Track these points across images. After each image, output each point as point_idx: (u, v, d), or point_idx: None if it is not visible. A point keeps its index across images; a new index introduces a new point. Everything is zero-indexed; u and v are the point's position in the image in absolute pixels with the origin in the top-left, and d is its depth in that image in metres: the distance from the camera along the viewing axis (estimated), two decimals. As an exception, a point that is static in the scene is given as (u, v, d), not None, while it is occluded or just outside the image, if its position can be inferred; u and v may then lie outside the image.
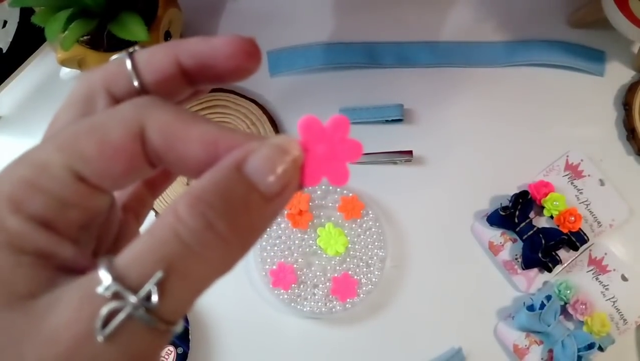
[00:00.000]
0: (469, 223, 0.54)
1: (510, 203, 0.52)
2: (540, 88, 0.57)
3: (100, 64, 0.48)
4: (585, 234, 0.51)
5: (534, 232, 0.51)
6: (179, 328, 0.16)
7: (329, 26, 0.59)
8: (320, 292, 0.51)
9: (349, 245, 0.51)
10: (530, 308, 0.49)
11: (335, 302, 0.50)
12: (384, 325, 0.52)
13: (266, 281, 0.51)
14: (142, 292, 0.15)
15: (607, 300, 0.51)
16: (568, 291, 0.50)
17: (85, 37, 0.46)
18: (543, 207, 0.52)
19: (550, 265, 0.51)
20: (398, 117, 0.55)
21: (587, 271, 0.52)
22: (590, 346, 0.48)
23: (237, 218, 0.16)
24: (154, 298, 0.15)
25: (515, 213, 0.51)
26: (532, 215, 0.52)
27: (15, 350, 0.14)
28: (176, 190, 0.53)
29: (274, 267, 0.51)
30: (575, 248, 0.52)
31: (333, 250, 0.50)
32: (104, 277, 0.15)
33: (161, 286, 0.15)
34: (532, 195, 0.52)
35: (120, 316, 0.14)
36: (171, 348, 0.49)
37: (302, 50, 0.57)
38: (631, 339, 0.51)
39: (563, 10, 0.59)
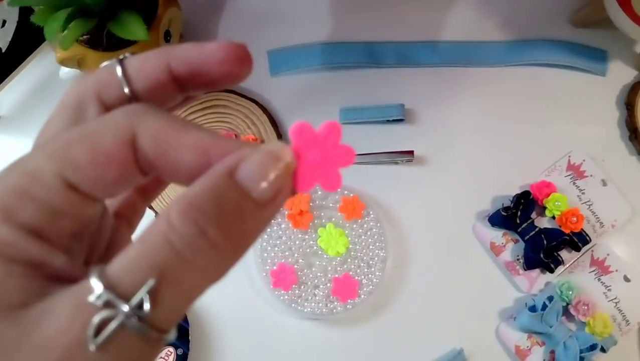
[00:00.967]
0: (470, 223, 0.54)
1: (512, 204, 0.52)
2: (542, 88, 0.57)
3: (100, 63, 0.47)
4: (587, 235, 0.51)
5: (536, 233, 0.51)
6: (171, 336, 0.16)
7: (330, 26, 0.58)
8: (321, 293, 0.51)
9: (350, 246, 0.51)
10: (532, 309, 0.49)
11: (336, 303, 0.50)
12: (385, 326, 0.51)
13: (267, 282, 0.51)
14: (134, 300, 0.14)
15: (609, 301, 0.51)
16: (570, 292, 0.50)
17: (84, 37, 0.46)
18: (545, 208, 0.52)
19: (552, 265, 0.50)
20: (399, 116, 0.54)
21: (590, 272, 0.52)
22: (593, 348, 0.47)
23: (230, 225, 0.16)
24: (146, 306, 0.15)
25: (517, 214, 0.51)
26: (534, 215, 0.52)
27: (7, 360, 0.14)
28: (176, 190, 0.53)
29: (275, 268, 0.51)
30: (578, 249, 0.51)
31: (334, 250, 0.50)
32: (96, 286, 0.15)
33: (153, 294, 0.15)
34: (534, 196, 0.52)
35: (113, 325, 0.14)
36: (171, 349, 0.49)
37: (302, 50, 0.57)
38: (634, 340, 0.51)
39: (565, 10, 0.59)
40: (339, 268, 0.51)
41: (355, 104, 0.55)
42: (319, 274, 0.51)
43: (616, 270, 0.51)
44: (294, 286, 0.50)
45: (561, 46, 0.57)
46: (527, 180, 0.54)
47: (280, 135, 0.54)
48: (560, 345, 0.48)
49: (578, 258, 0.52)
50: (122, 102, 0.18)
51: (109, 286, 0.15)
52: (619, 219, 0.53)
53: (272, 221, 0.52)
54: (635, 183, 0.54)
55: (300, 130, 0.18)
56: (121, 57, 0.19)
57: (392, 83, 0.57)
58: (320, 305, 0.50)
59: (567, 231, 0.51)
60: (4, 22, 0.51)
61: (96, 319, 0.14)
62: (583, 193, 0.53)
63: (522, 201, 0.51)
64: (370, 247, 0.52)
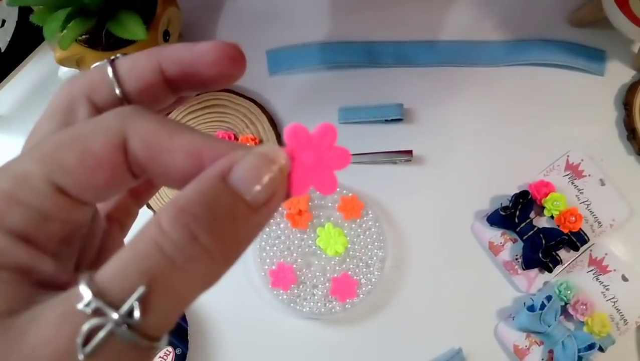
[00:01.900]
0: (469, 223, 0.54)
1: (511, 203, 0.52)
2: (540, 87, 0.57)
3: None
4: (585, 234, 0.51)
5: (535, 232, 0.51)
6: (163, 344, 0.15)
7: (329, 25, 0.58)
8: (320, 292, 0.51)
9: (349, 245, 0.51)
10: (531, 308, 0.49)
11: (334, 302, 0.50)
12: (384, 326, 0.51)
13: (265, 282, 0.51)
14: (124, 308, 0.14)
15: (607, 300, 0.51)
16: (568, 292, 0.50)
17: (83, 36, 0.46)
18: (543, 207, 0.52)
19: (550, 265, 0.50)
20: (398, 116, 0.54)
21: (588, 272, 0.52)
22: (591, 347, 0.47)
23: (222, 230, 0.15)
24: (136, 314, 0.14)
25: (515, 213, 0.51)
26: (532, 215, 0.52)
27: None
28: (175, 190, 0.53)
29: (273, 267, 0.51)
30: (576, 249, 0.51)
31: (332, 250, 0.50)
32: (85, 293, 0.14)
33: (144, 301, 0.14)
34: (533, 195, 0.52)
35: (102, 334, 0.14)
36: (170, 348, 0.49)
37: (301, 50, 0.57)
38: (631, 339, 0.51)
39: (563, 10, 0.59)
40: (337, 268, 0.51)
41: (353, 104, 0.56)
42: (317, 274, 0.51)
43: (614, 270, 0.52)
44: (292, 285, 0.50)
45: (559, 46, 0.57)
46: (525, 180, 0.54)
47: (279, 134, 0.54)
48: (559, 345, 0.48)
49: (576, 257, 0.52)
50: (114, 104, 0.18)
51: (98, 293, 0.14)
52: (617, 219, 0.53)
53: (271, 220, 0.52)
54: (633, 183, 0.54)
55: (294, 132, 0.18)
56: (112, 57, 0.19)
57: (391, 83, 0.57)
58: (319, 304, 0.50)
59: (565, 230, 0.51)
60: (4, 21, 0.51)
61: (85, 327, 0.14)
62: (581, 192, 0.54)
63: (521, 201, 0.51)
64: (369, 246, 0.52)
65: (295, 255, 0.51)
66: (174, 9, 0.49)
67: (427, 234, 0.53)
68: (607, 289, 0.51)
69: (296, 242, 0.52)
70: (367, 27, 0.58)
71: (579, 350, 0.47)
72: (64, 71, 0.52)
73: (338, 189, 0.52)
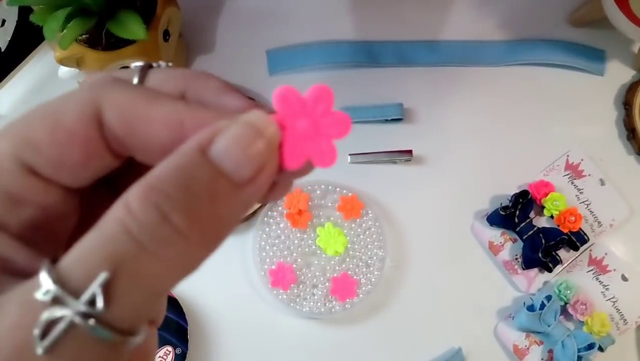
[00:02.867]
0: (468, 222, 0.54)
1: (511, 203, 0.52)
2: (540, 87, 0.57)
3: (99, 62, 0.47)
4: (585, 234, 0.51)
5: (534, 232, 0.51)
6: (138, 339, 0.14)
7: (328, 25, 0.58)
8: (320, 292, 0.51)
9: (349, 245, 0.51)
10: (531, 308, 0.49)
11: (334, 302, 0.50)
12: (384, 326, 0.51)
13: (265, 281, 0.51)
14: (84, 297, 0.13)
15: (607, 300, 0.51)
16: (568, 292, 0.50)
17: (83, 36, 0.46)
18: (543, 207, 0.52)
19: (550, 265, 0.50)
20: (398, 116, 0.54)
21: (588, 271, 0.52)
22: (591, 347, 0.47)
23: (199, 210, 0.14)
24: (99, 303, 0.13)
25: (515, 213, 0.51)
26: (532, 214, 0.52)
27: None
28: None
29: (273, 267, 0.51)
30: (576, 248, 0.51)
31: (332, 250, 0.50)
32: (44, 281, 0.13)
33: (108, 289, 0.13)
34: (533, 195, 0.52)
35: (61, 325, 0.13)
36: (170, 348, 0.49)
37: (301, 49, 0.57)
38: (631, 339, 0.51)
39: (563, 10, 0.59)
40: (337, 268, 0.51)
41: (353, 103, 0.56)
42: (317, 273, 0.51)
43: (614, 270, 0.52)
44: (292, 285, 0.50)
45: (559, 46, 0.57)
46: (525, 180, 0.54)
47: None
48: (559, 344, 0.48)
49: (576, 257, 0.52)
50: None
51: (58, 280, 0.13)
52: (617, 218, 0.53)
53: (271, 220, 0.52)
54: (633, 183, 0.54)
55: (285, 96, 0.16)
56: (149, 64, 0.17)
57: (391, 82, 0.57)
58: (319, 304, 0.50)
59: (565, 230, 0.51)
60: (4, 21, 0.51)
61: (42, 318, 0.13)
62: (581, 192, 0.54)
63: (521, 200, 0.51)
64: (369, 246, 0.52)
65: (295, 254, 0.51)
66: (174, 9, 0.49)
67: (427, 234, 0.53)
68: (606, 289, 0.51)
69: (296, 241, 0.52)
70: (367, 27, 0.58)
71: (579, 350, 0.47)
72: (64, 71, 0.52)
73: (338, 189, 0.52)
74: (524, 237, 0.51)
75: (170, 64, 0.17)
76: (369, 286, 0.51)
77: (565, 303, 0.50)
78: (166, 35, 0.49)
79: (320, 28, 0.58)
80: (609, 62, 0.58)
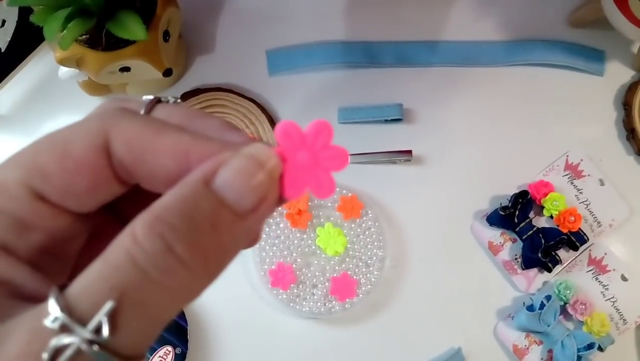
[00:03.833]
0: (468, 223, 0.54)
1: (510, 203, 0.52)
2: (539, 88, 0.57)
3: (99, 62, 0.47)
4: (585, 234, 0.51)
5: (534, 232, 0.51)
6: None
7: (328, 25, 0.58)
8: (320, 292, 0.51)
9: (348, 245, 0.51)
10: (530, 308, 0.49)
11: (334, 302, 0.50)
12: (383, 325, 0.52)
13: (265, 281, 0.51)
14: (91, 325, 0.13)
15: (606, 300, 0.51)
16: (568, 292, 0.50)
17: (83, 36, 0.46)
18: (543, 207, 0.52)
19: (550, 265, 0.50)
20: (397, 116, 0.54)
21: (587, 271, 0.52)
22: (590, 346, 0.47)
23: (202, 240, 0.14)
24: (105, 331, 0.13)
25: (515, 213, 0.51)
26: (531, 215, 0.52)
27: None
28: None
29: (273, 267, 0.51)
30: (575, 248, 0.51)
31: (332, 250, 0.50)
32: (52, 308, 0.13)
33: (113, 318, 0.13)
34: (532, 195, 0.52)
35: (68, 353, 0.13)
36: (170, 348, 0.49)
37: (301, 50, 0.57)
38: (631, 339, 0.51)
39: (563, 10, 0.59)
40: (337, 268, 0.51)
41: (353, 104, 0.56)
42: (317, 273, 0.51)
43: (614, 270, 0.52)
44: (292, 285, 0.50)
45: (559, 46, 0.57)
46: (525, 180, 0.54)
47: (278, 134, 0.54)
48: (558, 344, 0.48)
49: (576, 257, 0.52)
50: None
51: (65, 308, 0.13)
52: (616, 218, 0.53)
53: (271, 220, 0.52)
54: (632, 183, 0.54)
55: (286, 130, 0.16)
56: (158, 98, 0.17)
57: (391, 83, 0.57)
58: (319, 304, 0.50)
59: (565, 230, 0.51)
60: (4, 21, 0.51)
61: (51, 345, 0.13)
62: (581, 192, 0.54)
63: (520, 200, 0.51)
64: (369, 246, 0.52)
65: (294, 254, 0.51)
66: (174, 9, 0.49)
67: (426, 234, 0.53)
68: (606, 289, 0.51)
69: (296, 241, 0.52)
70: (367, 27, 0.58)
71: (578, 350, 0.47)
72: (64, 71, 0.52)
73: (338, 189, 0.52)
74: (524, 237, 0.51)
75: (179, 100, 0.18)
76: (369, 286, 0.51)
77: (565, 303, 0.50)
78: (166, 35, 0.49)
79: (321, 28, 0.58)
80: (608, 62, 0.58)
